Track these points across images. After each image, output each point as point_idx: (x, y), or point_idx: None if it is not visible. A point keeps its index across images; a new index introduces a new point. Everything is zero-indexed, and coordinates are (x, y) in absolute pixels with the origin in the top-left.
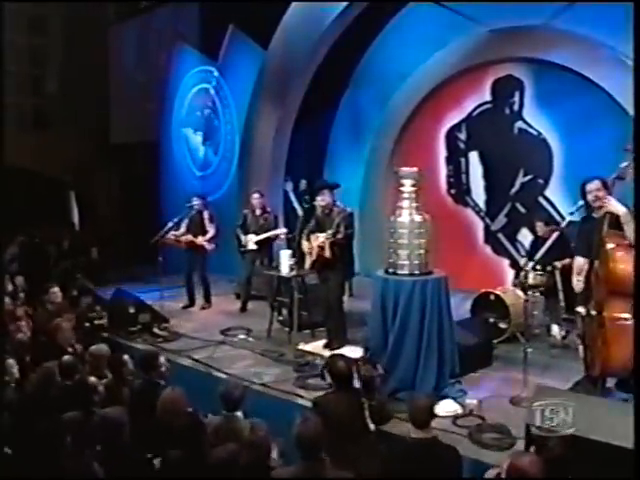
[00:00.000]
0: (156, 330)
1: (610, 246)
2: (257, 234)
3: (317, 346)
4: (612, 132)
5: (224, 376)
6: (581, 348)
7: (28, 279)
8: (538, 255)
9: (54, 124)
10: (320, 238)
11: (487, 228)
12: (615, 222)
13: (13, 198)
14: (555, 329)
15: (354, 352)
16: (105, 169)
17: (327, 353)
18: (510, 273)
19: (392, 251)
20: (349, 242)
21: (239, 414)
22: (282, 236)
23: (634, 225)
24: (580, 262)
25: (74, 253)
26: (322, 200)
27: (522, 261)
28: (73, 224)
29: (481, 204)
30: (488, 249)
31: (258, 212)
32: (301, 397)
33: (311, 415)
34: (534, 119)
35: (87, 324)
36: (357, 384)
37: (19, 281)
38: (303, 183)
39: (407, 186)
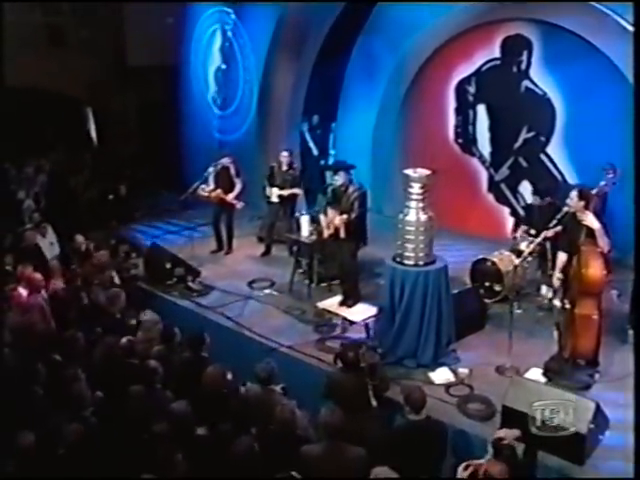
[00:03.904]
0: (190, 284)
1: (585, 254)
2: (280, 188)
3: (334, 303)
4: (612, 98)
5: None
6: (556, 334)
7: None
8: (527, 250)
9: (67, 42)
10: (336, 221)
11: (491, 178)
12: (592, 232)
13: (28, 120)
14: (544, 289)
15: (367, 310)
16: (121, 92)
17: (343, 310)
18: (510, 221)
19: (400, 244)
20: (362, 218)
21: (274, 387)
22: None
23: (607, 239)
24: (563, 258)
25: (98, 179)
26: (338, 180)
27: (519, 229)
28: (93, 148)
29: (486, 155)
30: (491, 197)
31: (284, 168)
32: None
33: (334, 407)
34: (540, 79)
35: (125, 274)
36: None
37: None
38: (315, 118)
39: (415, 188)
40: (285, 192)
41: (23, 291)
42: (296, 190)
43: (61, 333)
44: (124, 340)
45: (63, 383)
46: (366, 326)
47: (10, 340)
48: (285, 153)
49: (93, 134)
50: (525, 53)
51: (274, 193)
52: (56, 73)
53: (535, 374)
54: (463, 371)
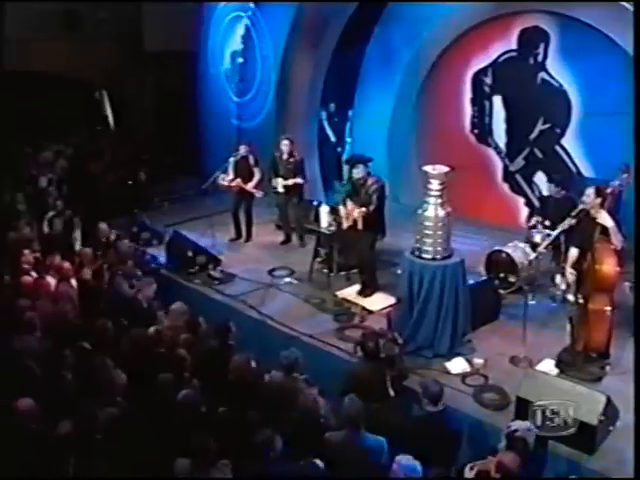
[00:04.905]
0: (212, 272)
1: (599, 250)
2: (284, 178)
3: (352, 293)
4: (629, 92)
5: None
6: (568, 327)
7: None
8: (544, 245)
9: (83, 27)
10: (354, 213)
11: (506, 168)
12: (605, 229)
13: (45, 105)
14: (558, 279)
15: (385, 299)
16: (139, 76)
17: (362, 300)
18: (524, 211)
19: (419, 238)
20: (380, 210)
21: (297, 375)
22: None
23: (620, 236)
24: (574, 254)
25: (117, 164)
26: (357, 173)
27: (533, 220)
28: (111, 133)
29: (502, 145)
30: (506, 187)
31: (285, 157)
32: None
33: (355, 398)
34: (557, 71)
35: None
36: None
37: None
38: (332, 105)
39: (434, 185)
40: (290, 182)
41: (51, 280)
42: (299, 179)
43: (89, 322)
44: (152, 329)
45: (94, 371)
46: (388, 316)
47: (42, 329)
48: (286, 141)
49: (110, 118)
50: (542, 45)
51: (279, 183)
52: (73, 58)
53: (548, 365)
54: (478, 361)
